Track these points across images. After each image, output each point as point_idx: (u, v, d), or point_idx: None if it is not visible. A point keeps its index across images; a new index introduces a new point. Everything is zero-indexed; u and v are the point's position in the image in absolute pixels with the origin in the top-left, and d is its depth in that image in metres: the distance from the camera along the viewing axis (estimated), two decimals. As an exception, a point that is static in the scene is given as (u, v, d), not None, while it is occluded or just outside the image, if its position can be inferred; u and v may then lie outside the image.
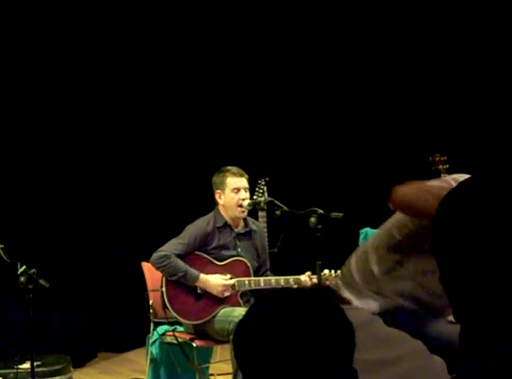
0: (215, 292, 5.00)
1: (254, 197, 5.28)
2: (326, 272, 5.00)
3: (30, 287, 4.61)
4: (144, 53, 6.83)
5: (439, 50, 7.15)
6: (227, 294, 5.03)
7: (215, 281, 5.02)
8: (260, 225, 5.34)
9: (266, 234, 5.40)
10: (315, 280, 5.04)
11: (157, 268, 5.01)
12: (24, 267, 4.61)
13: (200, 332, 5.07)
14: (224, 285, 5.02)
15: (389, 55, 7.30)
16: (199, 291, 5.03)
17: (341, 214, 4.69)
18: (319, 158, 7.47)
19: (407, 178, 7.35)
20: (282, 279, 5.13)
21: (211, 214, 5.20)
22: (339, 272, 5.14)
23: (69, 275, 6.53)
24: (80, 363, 6.37)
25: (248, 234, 5.24)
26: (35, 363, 4.97)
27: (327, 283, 5.03)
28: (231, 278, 5.07)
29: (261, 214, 5.37)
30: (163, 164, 6.96)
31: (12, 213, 6.21)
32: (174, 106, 7.03)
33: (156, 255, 4.98)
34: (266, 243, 5.35)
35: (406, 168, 7.20)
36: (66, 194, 6.52)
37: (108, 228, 6.77)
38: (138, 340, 6.21)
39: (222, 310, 5.02)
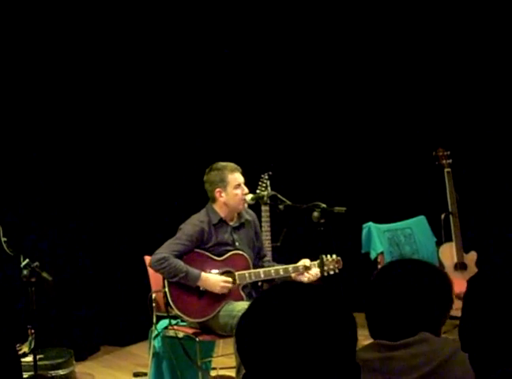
0: (216, 290, 4.98)
1: (258, 191, 5.26)
2: (324, 257, 5.00)
3: (33, 280, 4.62)
4: (144, 52, 6.82)
5: (442, 45, 7.14)
6: (225, 290, 5.00)
7: (215, 279, 5.00)
8: (253, 213, 5.31)
9: (269, 224, 5.38)
10: (314, 268, 5.06)
11: (157, 271, 4.97)
12: (27, 260, 4.61)
13: (203, 327, 5.06)
14: (225, 281, 5.00)
15: (391, 50, 7.29)
16: (202, 289, 5.00)
17: (344, 208, 4.68)
18: (322, 152, 7.46)
19: (410, 172, 7.34)
20: (281, 269, 5.12)
21: (203, 212, 5.14)
22: (334, 255, 5.17)
23: (72, 269, 6.53)
24: (82, 356, 6.37)
25: (243, 226, 5.23)
26: (38, 356, 4.98)
27: (325, 267, 5.03)
28: (230, 273, 5.06)
29: (265, 208, 5.35)
30: (166, 160, 6.95)
31: (15, 207, 6.21)
32: (175, 104, 7.03)
33: (154, 258, 4.93)
34: (260, 230, 5.32)
35: (409, 163, 7.21)
36: (70, 188, 6.52)
37: (112, 221, 6.77)
38: (141, 334, 6.21)
39: (225, 305, 5.01)
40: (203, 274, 4.97)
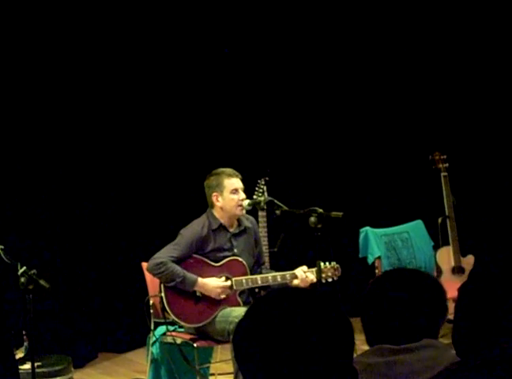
0: (213, 295, 4.99)
1: (254, 197, 5.27)
2: (322, 264, 4.99)
3: (30, 287, 4.61)
4: (144, 53, 6.81)
5: (439, 48, 7.15)
6: (223, 296, 5.00)
7: (212, 284, 5.00)
8: (253, 219, 5.31)
9: (266, 229, 5.38)
10: (310, 274, 5.05)
11: (154, 275, 4.99)
12: (24, 268, 4.61)
13: (201, 333, 5.06)
14: (222, 287, 5.00)
15: (388, 54, 7.30)
16: (198, 294, 5.01)
17: (341, 213, 4.69)
18: (319, 157, 7.46)
19: (407, 176, 7.33)
20: (279, 276, 5.12)
21: (204, 217, 5.15)
22: (333, 263, 5.16)
23: (70, 276, 6.52)
24: (80, 363, 6.36)
25: (243, 232, 5.22)
26: (36, 364, 4.96)
27: (323, 274, 5.03)
28: (227, 279, 5.06)
29: (261, 213, 5.36)
30: (164, 166, 6.95)
31: (12, 214, 6.20)
32: (173, 106, 7.02)
33: (152, 262, 4.95)
34: (260, 236, 5.32)
35: (406, 167, 7.22)
36: (67, 195, 6.52)
37: (109, 228, 6.76)
38: (139, 340, 6.20)
39: (222, 311, 5.01)
40: (200, 279, 4.98)
